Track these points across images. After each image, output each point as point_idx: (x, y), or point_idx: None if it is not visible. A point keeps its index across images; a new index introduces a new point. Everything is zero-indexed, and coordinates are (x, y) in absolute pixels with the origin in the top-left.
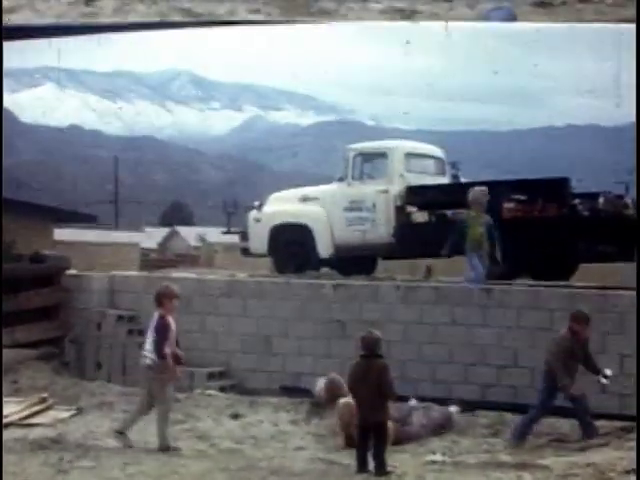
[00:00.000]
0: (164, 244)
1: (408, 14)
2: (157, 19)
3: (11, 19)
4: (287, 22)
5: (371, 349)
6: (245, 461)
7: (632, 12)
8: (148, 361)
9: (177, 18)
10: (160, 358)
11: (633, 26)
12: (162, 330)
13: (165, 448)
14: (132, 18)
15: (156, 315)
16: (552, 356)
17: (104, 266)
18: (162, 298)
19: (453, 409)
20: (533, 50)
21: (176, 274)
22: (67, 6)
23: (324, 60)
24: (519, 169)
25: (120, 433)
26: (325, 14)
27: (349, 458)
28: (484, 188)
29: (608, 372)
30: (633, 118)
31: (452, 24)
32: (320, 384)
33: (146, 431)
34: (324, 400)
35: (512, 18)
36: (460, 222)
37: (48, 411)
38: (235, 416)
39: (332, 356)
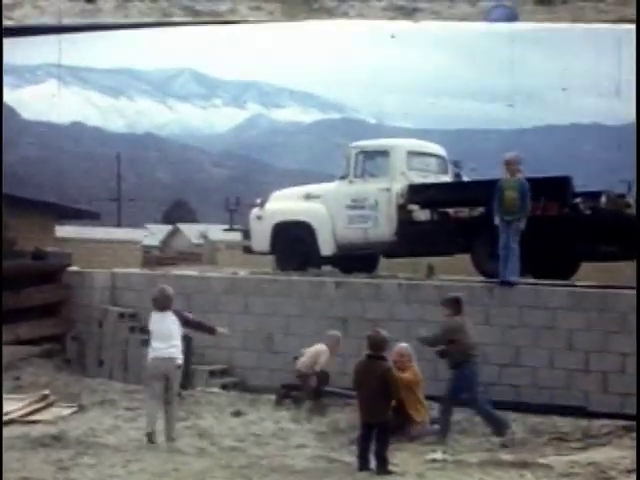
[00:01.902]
0: (166, 242)
1: (409, 11)
2: (158, 17)
3: (13, 16)
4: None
5: (376, 349)
6: (246, 459)
7: (634, 10)
8: (179, 362)
9: (178, 15)
10: (213, 333)
11: (633, 26)
12: (189, 316)
13: (172, 439)
14: (133, 15)
15: (171, 314)
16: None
17: (106, 263)
18: (170, 301)
19: (436, 426)
20: (535, 48)
21: (178, 272)
22: (68, 2)
23: (327, 58)
24: (523, 167)
25: (150, 436)
26: (326, 12)
27: (351, 456)
28: (516, 153)
29: None
30: (635, 117)
31: (454, 23)
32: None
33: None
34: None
35: (513, 16)
36: (497, 188)
37: (50, 408)
38: (237, 414)
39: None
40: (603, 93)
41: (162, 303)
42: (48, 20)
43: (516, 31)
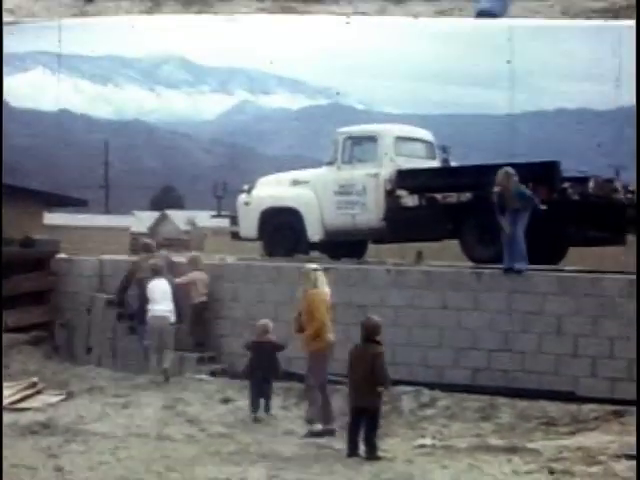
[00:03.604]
0: (154, 228)
1: (399, 0)
2: (150, 5)
3: (6, 6)
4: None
5: (368, 334)
6: (235, 445)
7: None
8: (172, 320)
9: (170, 5)
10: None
11: (631, 22)
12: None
13: (167, 375)
14: (125, 5)
15: (164, 280)
16: None
17: (94, 250)
18: (162, 269)
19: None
20: (523, 35)
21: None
22: None
23: (314, 44)
24: (511, 153)
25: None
26: (317, 1)
27: (340, 442)
28: (507, 169)
29: None
30: (624, 102)
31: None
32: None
33: (136, 416)
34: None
35: (503, 4)
36: (498, 201)
37: (38, 395)
38: (225, 400)
39: None
40: (589, 78)
41: (157, 270)
42: (40, 9)
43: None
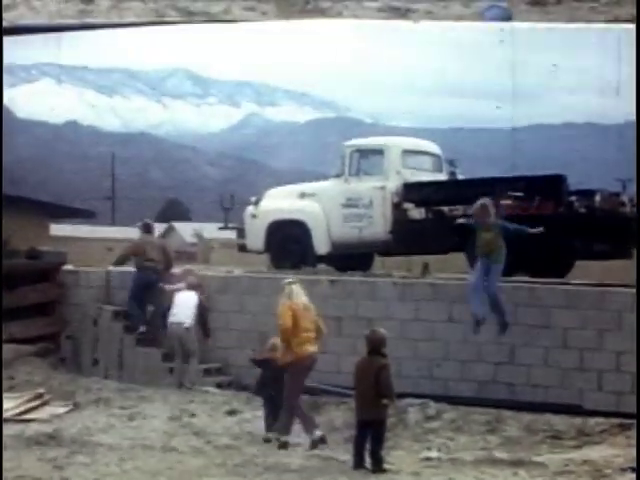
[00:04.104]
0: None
1: (403, 12)
2: (153, 17)
3: (8, 17)
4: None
5: (373, 347)
6: (241, 457)
7: (627, 10)
8: (187, 325)
9: (173, 16)
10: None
11: (631, 25)
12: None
13: (193, 384)
14: (128, 16)
15: (192, 292)
16: None
17: (100, 262)
18: (198, 287)
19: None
20: (530, 47)
21: (172, 270)
22: (63, 4)
23: (321, 56)
24: (517, 166)
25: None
26: (320, 12)
27: (346, 454)
28: (484, 202)
29: None
30: (630, 116)
31: (447, 22)
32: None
33: (143, 428)
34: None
35: (507, 16)
36: (470, 229)
37: (44, 407)
38: (231, 412)
39: (328, 352)
40: (595, 91)
41: (192, 286)
42: (42, 21)
43: (511, 29)
